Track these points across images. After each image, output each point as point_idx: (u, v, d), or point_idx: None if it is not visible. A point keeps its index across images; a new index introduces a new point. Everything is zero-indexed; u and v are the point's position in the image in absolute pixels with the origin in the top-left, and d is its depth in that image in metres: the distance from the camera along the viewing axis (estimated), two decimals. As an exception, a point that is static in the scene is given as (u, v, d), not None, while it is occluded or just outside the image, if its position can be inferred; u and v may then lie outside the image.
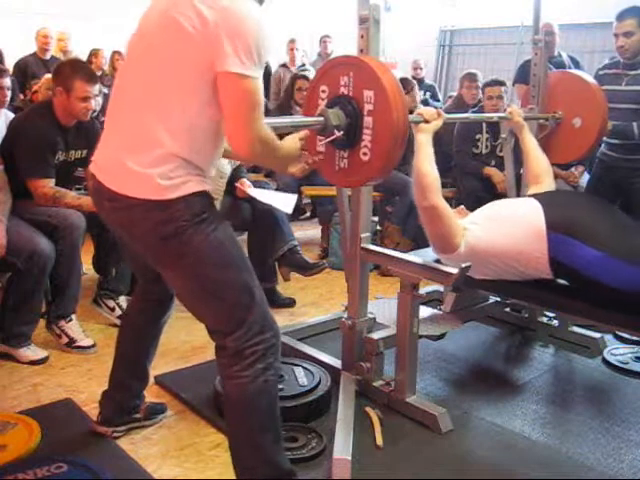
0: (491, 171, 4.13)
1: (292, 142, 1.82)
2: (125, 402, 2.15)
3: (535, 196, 2.38)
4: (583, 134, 2.91)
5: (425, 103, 5.52)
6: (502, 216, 2.33)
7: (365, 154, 1.99)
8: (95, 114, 3.54)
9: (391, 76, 1.95)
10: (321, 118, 1.98)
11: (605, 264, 2.05)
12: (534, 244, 2.18)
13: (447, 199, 2.35)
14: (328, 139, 1.99)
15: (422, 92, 6.28)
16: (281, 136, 1.77)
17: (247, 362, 1.66)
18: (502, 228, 2.26)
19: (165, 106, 1.60)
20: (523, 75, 3.71)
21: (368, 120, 1.95)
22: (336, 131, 1.97)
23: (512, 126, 2.80)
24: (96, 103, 3.00)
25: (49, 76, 3.55)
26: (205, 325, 1.75)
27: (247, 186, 3.33)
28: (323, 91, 2.08)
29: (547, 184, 2.61)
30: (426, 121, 2.24)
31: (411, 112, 4.86)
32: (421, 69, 6.75)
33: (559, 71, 3.38)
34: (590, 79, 3.00)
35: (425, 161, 2.21)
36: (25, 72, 5.59)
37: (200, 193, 1.65)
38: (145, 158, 1.60)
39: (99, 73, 5.87)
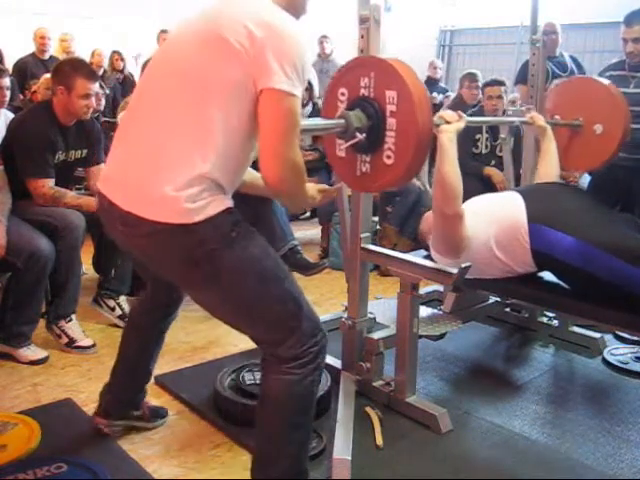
0: (491, 171, 4.12)
1: (311, 189, 1.81)
2: (124, 396, 2.14)
3: (517, 190, 2.41)
4: (604, 141, 2.85)
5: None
6: (486, 211, 2.35)
7: (389, 157, 1.90)
8: (96, 115, 3.55)
9: (414, 76, 1.89)
10: (342, 120, 1.89)
11: (583, 252, 2.09)
12: (517, 236, 2.21)
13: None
14: (350, 142, 1.90)
15: (437, 94, 6.26)
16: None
17: (301, 362, 1.64)
18: (487, 223, 2.27)
19: (197, 124, 1.54)
20: (524, 75, 3.71)
21: (391, 121, 1.87)
22: (358, 134, 1.88)
23: (535, 131, 2.78)
24: (98, 103, 3.01)
25: (48, 76, 3.55)
26: (251, 337, 1.72)
27: None
28: (342, 94, 1.99)
29: None
30: (447, 123, 2.19)
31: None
32: (440, 69, 6.71)
33: (580, 77, 3.31)
34: (613, 88, 2.92)
35: (450, 166, 2.15)
36: (24, 72, 5.59)
37: (225, 211, 1.59)
38: (174, 179, 1.53)
39: (100, 71, 5.89)
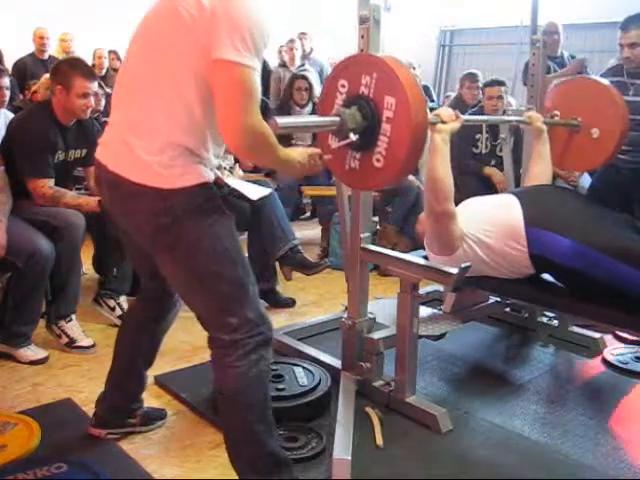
0: (491, 171, 4.12)
1: (299, 154, 1.77)
2: (119, 404, 2.12)
3: (513, 192, 2.40)
4: (601, 145, 2.84)
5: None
6: (483, 214, 2.33)
7: (378, 160, 1.91)
8: (96, 115, 3.54)
9: (416, 87, 1.87)
10: (337, 119, 1.90)
11: (581, 254, 2.08)
12: (514, 240, 2.21)
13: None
14: (342, 143, 1.92)
15: None
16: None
17: (240, 353, 1.68)
18: (485, 226, 2.27)
19: (165, 93, 1.60)
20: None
21: (386, 127, 1.87)
22: (352, 135, 1.88)
23: (531, 131, 2.78)
24: (98, 103, 3.00)
25: (48, 76, 3.55)
26: (198, 316, 1.76)
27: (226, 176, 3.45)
28: (342, 85, 2.01)
29: None
30: (443, 122, 2.18)
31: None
32: (414, 68, 6.69)
33: (584, 77, 3.28)
34: (615, 90, 2.90)
35: (441, 165, 2.17)
36: (24, 72, 5.59)
37: (201, 185, 1.64)
38: (147, 145, 1.61)
39: (103, 72, 5.88)
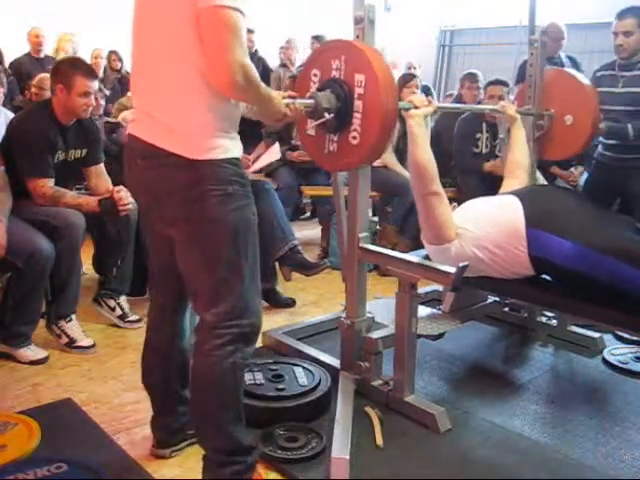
0: (492, 167, 4.10)
1: (277, 95, 1.83)
2: (172, 424, 2.05)
3: (514, 193, 2.40)
4: (576, 131, 2.91)
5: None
6: (483, 215, 2.34)
7: (354, 138, 2.02)
8: (96, 116, 3.55)
9: (382, 61, 1.97)
10: (311, 100, 1.99)
11: (582, 255, 2.08)
12: (515, 241, 2.21)
13: (448, 199, 2.33)
14: (318, 121, 2.00)
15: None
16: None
17: (219, 342, 1.71)
18: (485, 227, 2.27)
19: (176, 62, 1.63)
20: (523, 75, 3.72)
21: (358, 104, 1.98)
22: (326, 114, 1.98)
23: (506, 119, 2.84)
24: (98, 106, 3.00)
25: (43, 75, 3.57)
26: (192, 295, 1.80)
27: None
28: (315, 75, 2.10)
29: (522, 178, 2.67)
30: (416, 108, 2.24)
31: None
32: (414, 69, 6.69)
33: (552, 69, 3.34)
34: (582, 78, 2.99)
35: (421, 149, 2.22)
36: (20, 72, 5.59)
37: (230, 160, 1.67)
38: (175, 116, 1.64)
39: (101, 73, 5.89)
